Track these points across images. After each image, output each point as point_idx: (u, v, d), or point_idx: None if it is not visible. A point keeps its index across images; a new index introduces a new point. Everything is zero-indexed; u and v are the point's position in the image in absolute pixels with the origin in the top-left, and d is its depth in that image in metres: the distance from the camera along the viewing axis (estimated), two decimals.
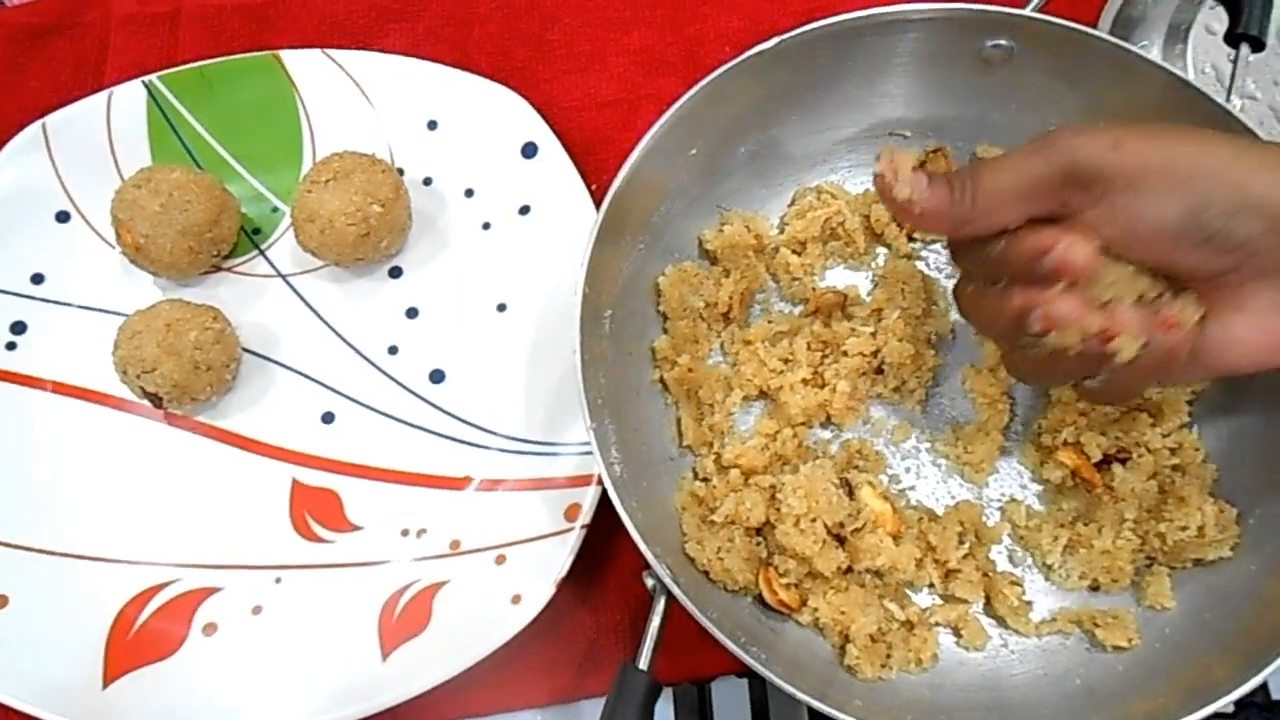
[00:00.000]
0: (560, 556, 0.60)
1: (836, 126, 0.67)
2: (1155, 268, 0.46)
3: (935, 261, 0.68)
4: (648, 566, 0.52)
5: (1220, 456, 0.60)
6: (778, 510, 0.58)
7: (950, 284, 0.67)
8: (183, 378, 0.64)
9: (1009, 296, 0.48)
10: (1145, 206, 0.44)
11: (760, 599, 0.58)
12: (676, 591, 0.51)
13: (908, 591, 0.60)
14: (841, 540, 0.59)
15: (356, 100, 0.74)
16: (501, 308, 0.70)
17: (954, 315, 0.66)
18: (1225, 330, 0.46)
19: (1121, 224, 0.45)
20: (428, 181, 0.74)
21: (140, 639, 0.62)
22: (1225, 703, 0.49)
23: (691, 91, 0.60)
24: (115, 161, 0.73)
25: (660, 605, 0.52)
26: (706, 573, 0.58)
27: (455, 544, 0.64)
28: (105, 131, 0.73)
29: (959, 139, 0.67)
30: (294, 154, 0.74)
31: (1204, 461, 0.60)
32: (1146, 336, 0.45)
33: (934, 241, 0.68)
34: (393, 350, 0.70)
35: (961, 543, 0.60)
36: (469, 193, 0.73)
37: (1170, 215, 0.44)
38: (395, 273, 0.72)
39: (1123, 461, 0.60)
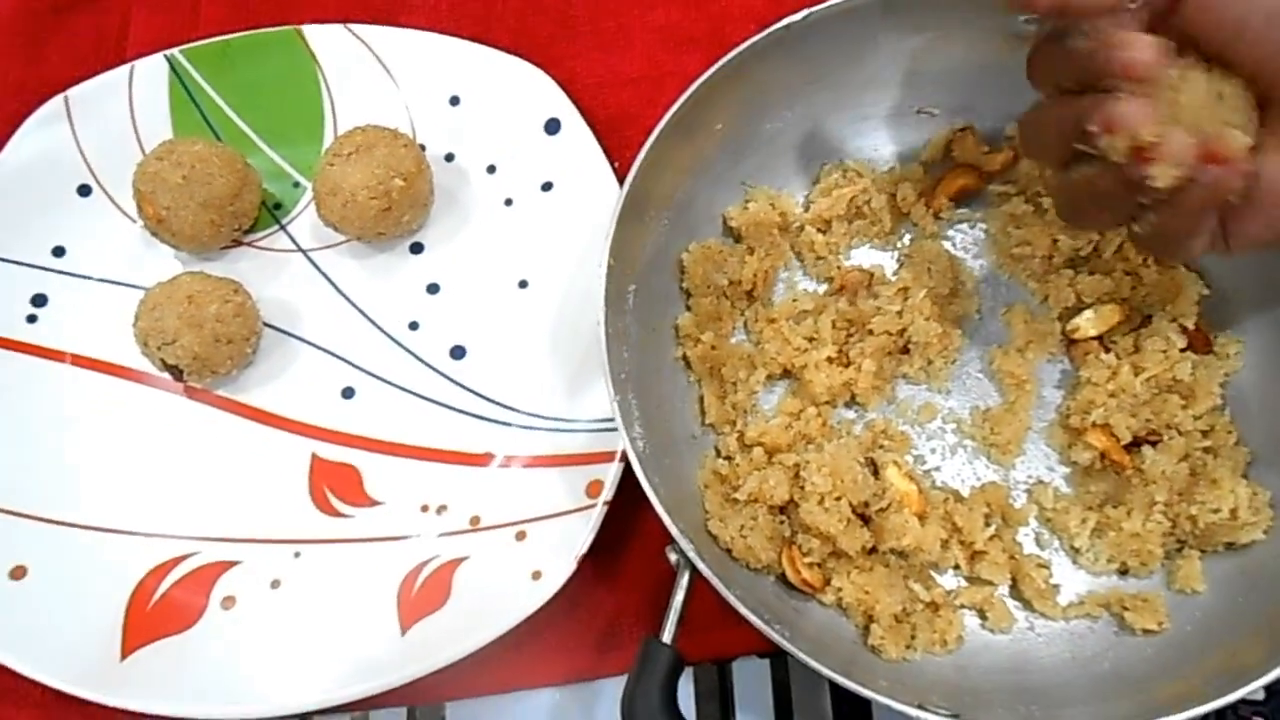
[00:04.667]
0: (581, 533, 0.60)
1: (863, 103, 0.67)
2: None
3: (961, 241, 0.67)
4: (671, 542, 0.52)
5: (1253, 438, 0.59)
6: (801, 489, 0.58)
7: (978, 264, 0.66)
8: (203, 350, 0.64)
9: (1077, 98, 0.46)
10: None
11: (783, 578, 0.58)
12: (701, 565, 0.50)
13: (932, 573, 0.59)
14: (866, 520, 0.58)
15: (378, 75, 0.74)
16: (523, 284, 0.70)
17: (980, 299, 0.66)
18: None
19: None
20: (449, 157, 0.74)
21: (159, 611, 0.62)
22: (1256, 687, 0.49)
23: (716, 67, 0.60)
24: (137, 135, 0.73)
25: (684, 580, 0.52)
26: (729, 551, 0.57)
27: (475, 520, 0.63)
28: (127, 105, 0.73)
29: (989, 119, 0.67)
30: (315, 129, 0.74)
31: (1236, 444, 0.59)
32: (1184, 167, 0.43)
33: (961, 221, 0.67)
34: (413, 326, 0.70)
35: (988, 524, 0.59)
36: (491, 169, 0.73)
37: None
38: (416, 248, 0.72)
39: (1153, 444, 0.59)
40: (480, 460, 0.65)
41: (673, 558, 0.52)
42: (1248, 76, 0.44)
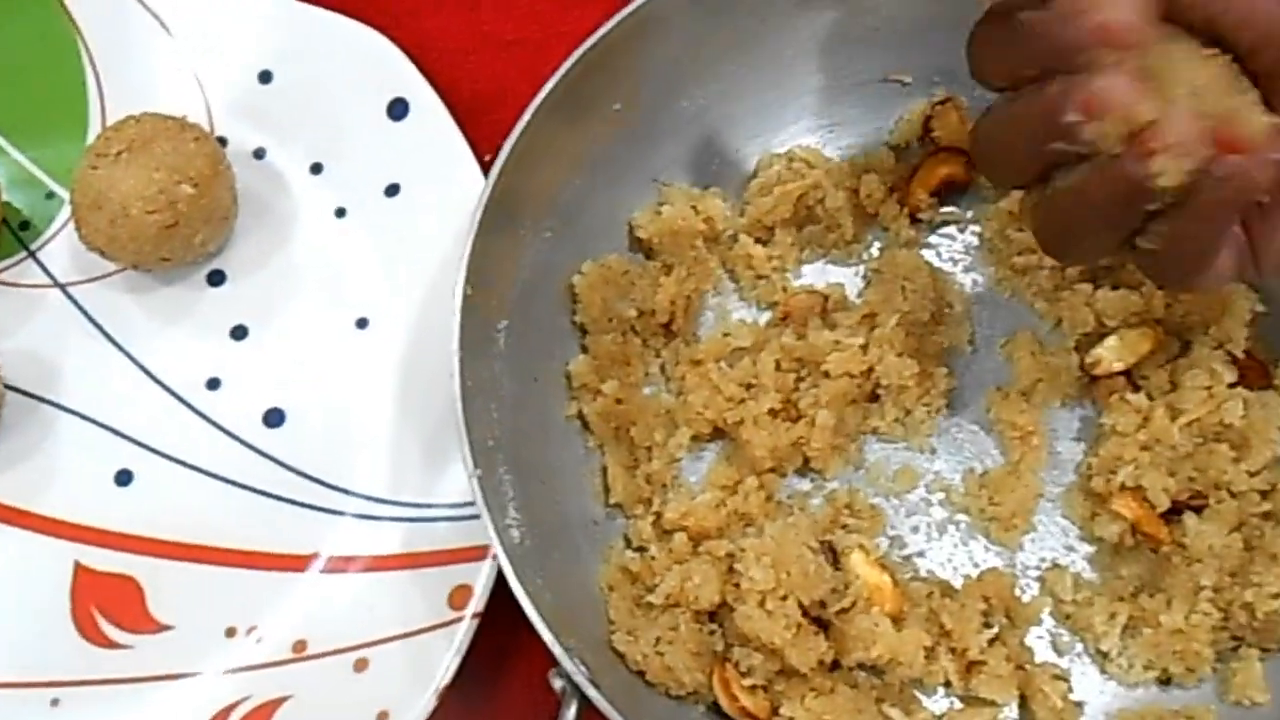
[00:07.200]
0: (442, 658, 0.62)
1: (811, 71, 0.70)
2: None
3: (947, 250, 0.70)
4: (556, 662, 0.53)
5: None
6: (736, 586, 0.60)
7: (969, 279, 0.70)
8: None
9: (1043, 88, 0.47)
10: None
11: (716, 707, 0.60)
12: (594, 694, 0.52)
13: (916, 692, 0.62)
14: (824, 625, 0.60)
15: (160, 43, 0.76)
16: (362, 324, 0.72)
17: (972, 326, 0.69)
18: None
19: None
20: (259, 154, 0.76)
21: None
22: None
23: (613, 22, 0.63)
24: None
25: (570, 713, 0.53)
26: (642, 673, 0.59)
27: (300, 645, 0.65)
28: None
29: (976, 87, 0.69)
30: (75, 118, 0.76)
31: None
32: (1196, 158, 0.45)
33: (946, 223, 0.70)
34: (213, 384, 0.72)
35: (987, 625, 0.61)
36: (316, 168, 0.75)
37: None
38: (216, 278, 0.74)
39: (1198, 510, 0.62)
40: (303, 563, 0.67)
41: (557, 684, 0.54)
42: (1245, 51, 0.47)
